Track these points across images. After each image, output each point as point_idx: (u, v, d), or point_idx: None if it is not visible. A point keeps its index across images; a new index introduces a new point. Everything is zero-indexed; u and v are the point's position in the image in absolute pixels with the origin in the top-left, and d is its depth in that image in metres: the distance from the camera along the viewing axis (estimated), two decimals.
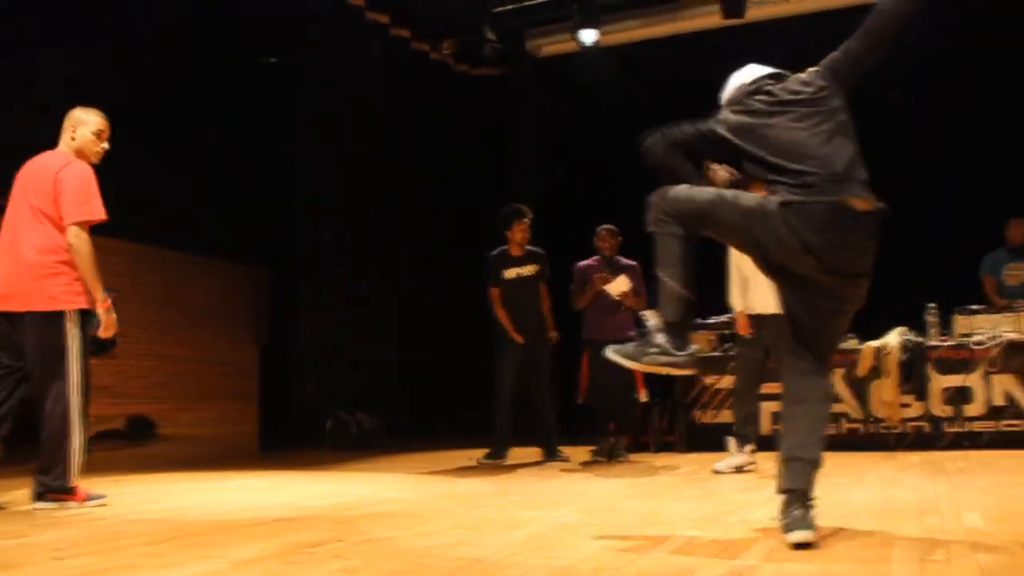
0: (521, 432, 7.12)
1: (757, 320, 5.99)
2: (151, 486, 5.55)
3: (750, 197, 3.10)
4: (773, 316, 5.92)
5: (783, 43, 9.83)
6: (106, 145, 4.56)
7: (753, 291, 5.98)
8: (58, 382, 4.25)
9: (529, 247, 7.21)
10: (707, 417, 7.97)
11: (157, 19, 8.22)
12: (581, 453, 7.20)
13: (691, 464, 6.52)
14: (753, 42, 10.15)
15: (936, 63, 9.10)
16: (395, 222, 10.23)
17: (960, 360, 7.26)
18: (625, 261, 7.09)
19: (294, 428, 9.04)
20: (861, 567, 2.63)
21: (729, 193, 3.18)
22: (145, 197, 8.04)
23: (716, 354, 8.08)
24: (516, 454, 7.15)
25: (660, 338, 3.21)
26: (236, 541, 3.31)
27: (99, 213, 4.35)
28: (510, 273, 7.13)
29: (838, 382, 7.50)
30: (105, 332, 4.37)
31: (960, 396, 7.23)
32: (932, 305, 7.42)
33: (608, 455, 6.94)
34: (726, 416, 7.87)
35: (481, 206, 9.14)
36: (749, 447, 5.93)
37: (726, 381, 7.86)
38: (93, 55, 7.69)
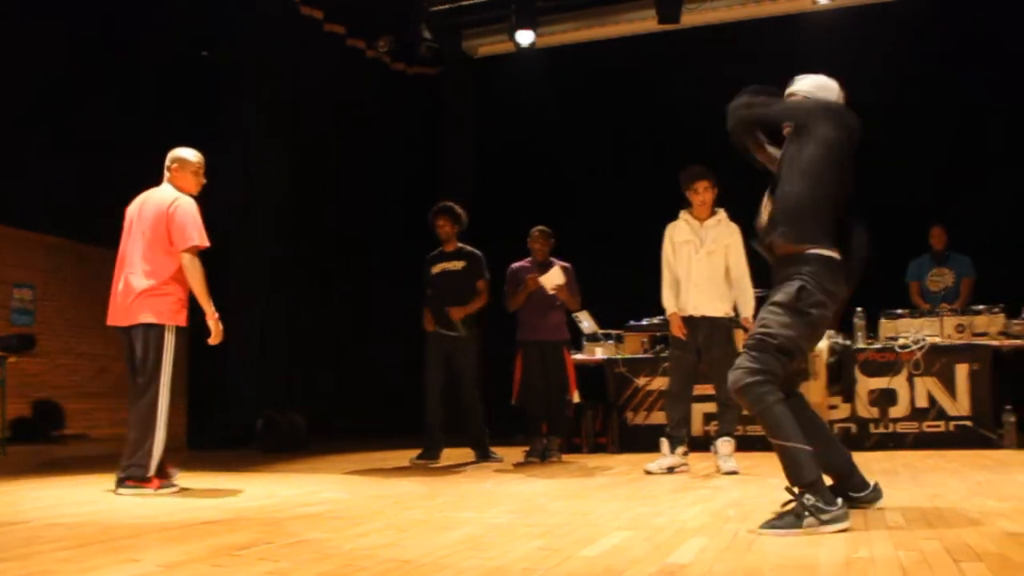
0: (453, 433, 7.11)
1: (690, 322, 6.03)
2: (71, 488, 5.40)
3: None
4: (705, 318, 6.00)
5: (717, 49, 10.05)
6: (204, 180, 5.33)
7: (686, 293, 6.03)
8: (152, 385, 4.96)
9: (462, 245, 7.21)
10: (639, 418, 8.03)
11: (84, 12, 8.02)
12: (514, 454, 7.21)
13: (623, 465, 6.55)
14: (687, 48, 10.29)
15: (860, 74, 9.31)
16: (326, 218, 10.13)
17: (886, 363, 7.42)
18: (558, 263, 7.11)
19: (223, 428, 8.87)
20: (789, 564, 2.66)
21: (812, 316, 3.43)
22: (64, 191, 7.84)
23: (648, 356, 8.15)
24: (449, 455, 7.13)
25: (810, 500, 3.22)
26: (161, 544, 3.24)
27: (205, 241, 5.10)
28: (437, 268, 7.16)
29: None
30: (214, 340, 5.11)
31: (885, 398, 7.38)
32: (859, 309, 7.56)
33: (541, 456, 6.95)
34: (658, 417, 7.95)
35: (414, 204, 9.10)
36: (681, 448, 5.98)
37: (658, 383, 7.94)
38: (9, 42, 7.49)
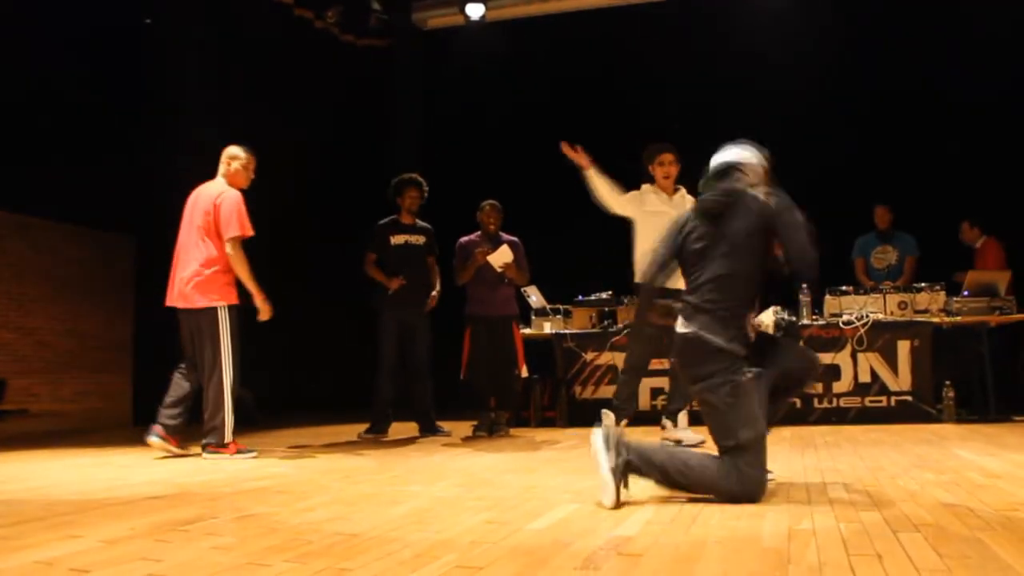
0: (401, 407, 7.10)
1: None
2: (13, 464, 5.32)
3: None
4: (675, 290, 5.94)
5: (668, 23, 10.08)
6: (253, 175, 5.94)
7: None
8: (217, 362, 5.54)
9: (418, 220, 7.19)
10: (587, 393, 8.08)
11: None
12: (463, 428, 7.22)
13: (571, 439, 6.59)
14: (637, 22, 10.31)
15: (805, 55, 9.41)
16: (273, 191, 9.97)
17: (830, 338, 7.53)
18: (508, 237, 7.11)
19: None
20: (734, 536, 2.70)
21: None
22: (5, 161, 7.65)
23: (596, 331, 8.19)
24: (397, 429, 7.12)
25: None
26: (104, 520, 3.20)
27: (248, 230, 5.65)
28: (398, 239, 7.10)
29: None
30: (263, 317, 5.63)
31: (830, 373, 7.50)
32: (804, 285, 7.66)
33: (489, 430, 6.97)
34: (606, 392, 8.01)
35: (363, 177, 9.01)
36: (624, 421, 6.01)
37: (606, 357, 7.99)
38: None
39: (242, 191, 5.82)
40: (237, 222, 5.61)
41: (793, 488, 3.72)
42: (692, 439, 5.83)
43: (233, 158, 5.86)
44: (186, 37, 9.22)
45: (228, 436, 5.54)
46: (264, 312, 5.64)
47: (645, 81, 10.20)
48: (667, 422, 6.11)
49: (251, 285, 5.64)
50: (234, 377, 5.58)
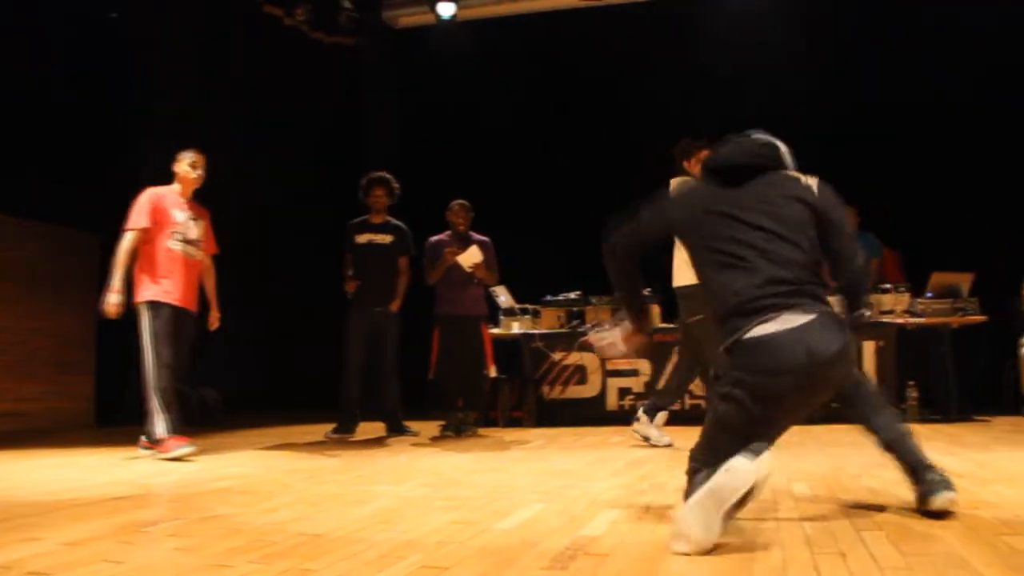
0: (368, 407, 7.07)
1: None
2: None
3: None
4: (686, 288, 5.85)
5: (639, 25, 10.12)
6: (201, 172, 5.92)
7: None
8: (142, 360, 5.53)
9: (389, 218, 7.15)
10: (555, 393, 8.10)
11: None
12: (431, 428, 7.20)
13: (539, 439, 6.59)
14: (609, 23, 10.34)
15: (783, 51, 9.48)
16: (241, 189, 9.92)
17: None
18: (477, 236, 7.11)
19: (133, 403, 8.65)
20: None
21: None
22: None
23: (564, 331, 8.21)
24: (365, 429, 7.09)
25: None
26: (66, 521, 3.16)
27: (131, 224, 5.61)
28: (362, 238, 7.07)
29: (678, 360, 7.73)
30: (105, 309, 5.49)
31: None
32: None
33: (457, 430, 6.96)
34: (574, 392, 8.04)
35: (333, 176, 8.97)
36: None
37: (574, 357, 8.02)
38: None
39: (200, 192, 5.97)
40: (130, 215, 5.64)
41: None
42: (661, 440, 5.81)
43: (181, 158, 5.91)
44: (153, 35, 9.14)
45: (158, 434, 5.45)
46: (106, 309, 5.49)
47: (617, 81, 10.23)
48: (643, 416, 5.97)
49: (113, 273, 5.54)
50: (159, 375, 5.49)
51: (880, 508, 3.13)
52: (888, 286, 7.74)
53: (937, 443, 5.49)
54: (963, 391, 7.57)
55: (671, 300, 8.19)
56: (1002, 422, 7.24)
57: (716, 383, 2.93)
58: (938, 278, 7.72)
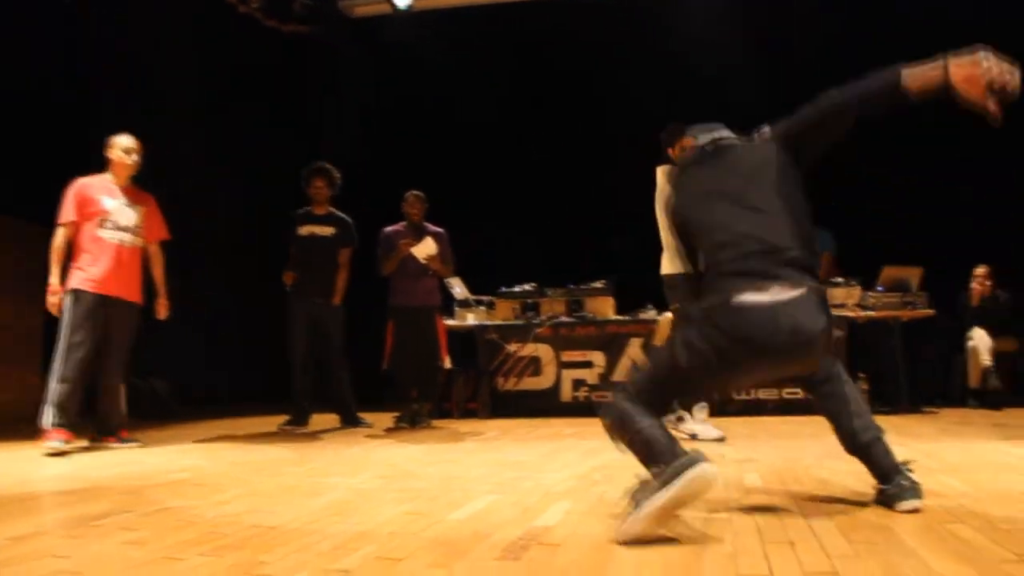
0: (322, 399, 7.03)
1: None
2: None
3: None
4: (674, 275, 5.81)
5: (594, 17, 10.12)
6: (136, 158, 5.88)
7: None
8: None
9: (334, 210, 7.11)
10: (510, 384, 8.10)
11: None
12: (385, 419, 7.18)
13: (493, 430, 6.60)
14: (569, 13, 10.32)
15: (732, 50, 9.53)
16: (196, 180, 9.80)
17: None
18: (432, 227, 7.09)
19: (82, 395, 8.51)
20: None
21: None
22: None
23: (519, 322, 8.21)
24: (319, 421, 7.05)
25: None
26: (11, 516, 3.11)
27: (60, 217, 5.67)
28: (304, 230, 7.03)
29: (637, 351, 7.79)
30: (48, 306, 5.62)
31: None
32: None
33: (411, 421, 6.94)
34: (528, 383, 8.06)
35: (289, 167, 8.86)
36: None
37: (529, 349, 8.03)
38: None
39: (137, 179, 5.98)
40: (60, 209, 5.69)
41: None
42: (710, 434, 5.62)
43: (114, 145, 5.87)
44: (108, 25, 8.97)
45: (42, 423, 5.44)
46: (47, 301, 5.61)
47: (578, 71, 10.23)
48: (684, 413, 5.82)
49: (51, 270, 5.63)
50: (64, 363, 5.49)
51: (831, 499, 3.17)
52: (839, 280, 7.84)
53: (887, 434, 5.57)
54: (912, 383, 7.69)
55: (620, 291, 8.30)
56: (949, 414, 7.38)
57: (682, 324, 2.92)
58: (888, 272, 7.84)
